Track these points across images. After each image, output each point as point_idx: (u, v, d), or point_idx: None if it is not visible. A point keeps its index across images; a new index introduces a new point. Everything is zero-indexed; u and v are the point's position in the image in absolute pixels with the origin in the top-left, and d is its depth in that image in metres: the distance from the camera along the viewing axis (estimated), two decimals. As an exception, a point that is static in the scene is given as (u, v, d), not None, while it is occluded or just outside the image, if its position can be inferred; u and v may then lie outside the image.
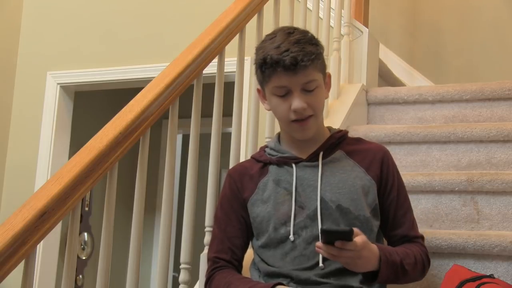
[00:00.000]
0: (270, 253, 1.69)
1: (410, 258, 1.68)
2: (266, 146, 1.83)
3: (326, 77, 1.75)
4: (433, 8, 4.21)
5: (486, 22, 4.05)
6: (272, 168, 1.75)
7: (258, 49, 1.70)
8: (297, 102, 1.63)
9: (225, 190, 1.80)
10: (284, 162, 1.74)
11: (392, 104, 2.98)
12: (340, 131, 1.80)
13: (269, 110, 1.78)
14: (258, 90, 1.77)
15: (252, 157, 1.84)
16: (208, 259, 1.76)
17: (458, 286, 1.80)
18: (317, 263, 1.64)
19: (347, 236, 1.49)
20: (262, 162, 1.78)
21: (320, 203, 1.66)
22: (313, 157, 1.72)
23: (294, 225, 1.66)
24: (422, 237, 1.80)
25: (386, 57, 3.68)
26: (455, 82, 3.32)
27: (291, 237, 1.65)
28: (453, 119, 2.84)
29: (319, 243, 1.51)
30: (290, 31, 1.66)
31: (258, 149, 1.90)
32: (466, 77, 3.86)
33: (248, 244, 1.79)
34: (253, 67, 1.73)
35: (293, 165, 1.72)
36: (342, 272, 1.62)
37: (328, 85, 1.77)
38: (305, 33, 1.69)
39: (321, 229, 1.49)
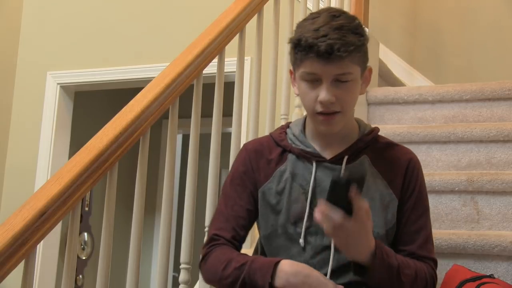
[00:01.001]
0: (275, 249, 1.58)
1: (410, 269, 1.51)
2: (287, 126, 1.67)
3: (366, 71, 1.60)
4: (433, 8, 4.21)
5: (486, 22, 4.05)
6: (291, 157, 1.60)
7: (297, 27, 1.55)
8: (324, 94, 1.49)
9: (238, 165, 1.65)
10: (304, 156, 1.59)
11: (392, 104, 2.98)
12: (371, 132, 1.63)
13: (297, 95, 1.63)
14: (290, 72, 1.63)
15: (272, 137, 1.66)
16: (208, 235, 1.61)
17: (458, 286, 1.79)
18: (325, 275, 1.49)
19: (361, 183, 1.35)
20: (281, 147, 1.62)
21: None
22: (337, 160, 1.57)
23: (305, 228, 1.54)
24: (434, 260, 1.59)
25: (386, 57, 3.68)
26: (455, 82, 3.31)
27: (301, 241, 1.54)
28: (453, 119, 2.84)
29: (321, 207, 1.36)
30: (335, 14, 1.50)
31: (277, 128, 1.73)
32: (466, 77, 3.85)
33: (252, 225, 1.65)
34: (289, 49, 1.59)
35: (314, 163, 1.58)
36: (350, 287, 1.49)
37: (367, 80, 1.61)
38: (351, 19, 1.51)
39: (333, 180, 1.33)
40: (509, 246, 2.04)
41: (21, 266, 1.56)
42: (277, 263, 1.45)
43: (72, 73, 4.08)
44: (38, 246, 1.61)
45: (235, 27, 2.27)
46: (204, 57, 2.13)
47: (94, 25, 4.08)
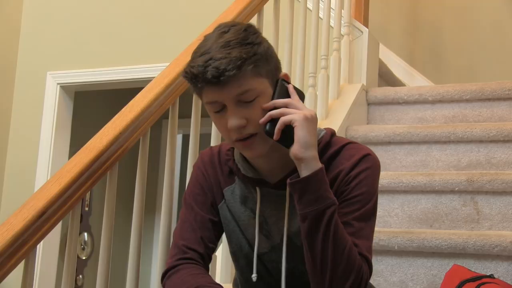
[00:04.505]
0: (241, 268, 1.52)
1: (345, 237, 1.32)
2: None
3: (281, 76, 1.41)
4: (433, 8, 4.21)
5: (486, 22, 4.05)
6: (238, 180, 1.49)
7: (193, 52, 1.39)
8: (231, 120, 1.33)
9: (196, 173, 1.54)
10: (247, 181, 1.47)
11: (392, 104, 2.98)
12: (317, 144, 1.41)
13: None
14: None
15: (221, 151, 1.54)
16: (175, 246, 1.48)
17: (458, 286, 1.80)
18: None
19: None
20: (229, 167, 1.50)
21: (285, 239, 1.43)
22: (282, 185, 1.42)
23: (257, 256, 1.45)
24: (367, 260, 1.37)
25: (386, 57, 3.68)
26: (455, 82, 3.32)
27: (254, 276, 1.45)
28: (453, 119, 2.84)
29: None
30: (224, 30, 1.37)
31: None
32: (466, 77, 3.86)
33: (219, 239, 1.54)
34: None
35: (257, 189, 1.45)
36: None
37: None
38: (239, 31, 1.36)
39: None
40: (509, 246, 2.04)
41: (21, 266, 1.56)
42: None
43: (72, 73, 4.08)
44: (38, 246, 1.61)
45: (235, 27, 2.27)
46: (204, 57, 2.13)
47: (94, 25, 4.08)
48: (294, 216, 1.41)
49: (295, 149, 1.33)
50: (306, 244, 1.33)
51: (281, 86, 1.39)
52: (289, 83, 1.42)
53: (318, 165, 1.33)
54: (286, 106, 1.35)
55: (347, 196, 1.39)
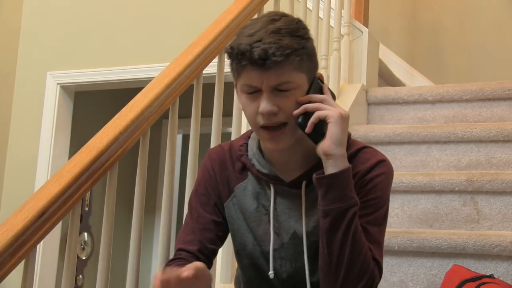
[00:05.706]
0: (245, 267, 1.52)
1: (362, 239, 1.34)
2: (249, 136, 1.53)
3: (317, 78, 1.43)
4: (433, 8, 4.21)
5: (486, 22, 4.06)
6: (251, 176, 1.48)
7: (236, 34, 1.39)
8: (264, 104, 1.33)
9: (202, 174, 1.53)
10: (261, 178, 1.46)
11: (392, 104, 2.98)
12: None
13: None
14: (234, 85, 1.45)
15: (233, 147, 1.53)
16: (175, 250, 1.52)
17: (458, 286, 1.80)
18: None
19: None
20: (242, 163, 1.50)
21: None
22: (296, 184, 1.43)
23: (272, 254, 1.45)
24: (379, 264, 1.39)
25: (386, 57, 3.68)
26: (455, 82, 3.32)
27: (271, 273, 1.44)
28: (453, 119, 2.84)
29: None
30: (275, 18, 1.36)
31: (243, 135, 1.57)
32: (466, 77, 3.86)
33: (223, 239, 1.54)
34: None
35: (271, 186, 1.45)
36: None
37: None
38: (291, 22, 1.36)
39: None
40: (509, 246, 2.04)
41: (21, 266, 1.56)
42: None
43: (72, 73, 4.08)
44: (38, 246, 1.61)
45: (235, 27, 2.27)
46: (204, 57, 2.13)
47: (94, 25, 4.08)
48: (306, 216, 1.43)
49: (326, 145, 1.34)
50: (324, 240, 1.34)
51: (316, 84, 1.41)
52: (323, 82, 1.44)
53: (346, 164, 1.35)
54: (321, 102, 1.37)
55: (361, 199, 1.39)
